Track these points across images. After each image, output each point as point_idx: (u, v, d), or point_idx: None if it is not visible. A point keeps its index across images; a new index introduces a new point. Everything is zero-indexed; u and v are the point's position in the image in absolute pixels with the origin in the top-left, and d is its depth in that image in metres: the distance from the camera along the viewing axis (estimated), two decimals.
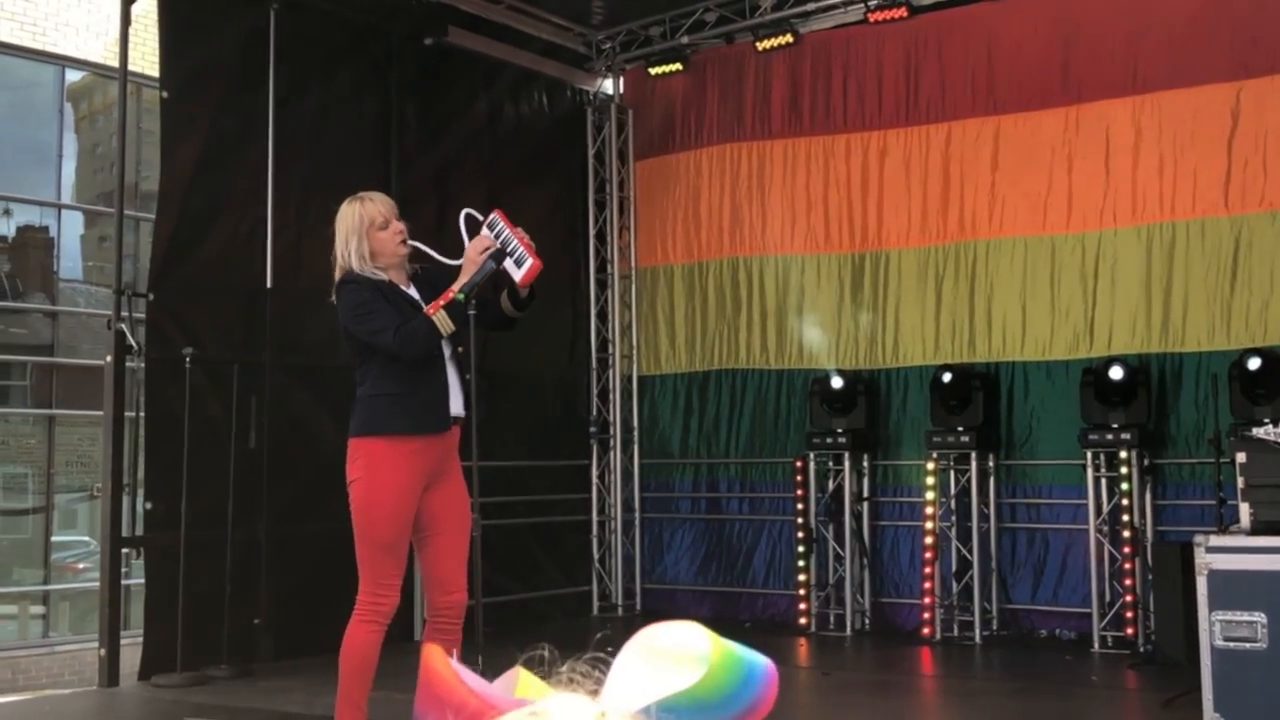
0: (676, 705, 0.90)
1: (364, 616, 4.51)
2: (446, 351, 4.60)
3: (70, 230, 13.73)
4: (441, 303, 4.50)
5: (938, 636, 8.26)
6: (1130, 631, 7.74)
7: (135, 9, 7.58)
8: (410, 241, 4.66)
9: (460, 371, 4.62)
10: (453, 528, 4.57)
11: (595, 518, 10.09)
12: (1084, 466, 8.08)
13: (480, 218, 4.66)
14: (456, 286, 4.54)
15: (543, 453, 9.53)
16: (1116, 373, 7.97)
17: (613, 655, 0.97)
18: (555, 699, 0.85)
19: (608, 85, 10.51)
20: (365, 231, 4.59)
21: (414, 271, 4.75)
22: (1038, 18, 8.67)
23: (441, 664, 0.97)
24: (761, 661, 0.97)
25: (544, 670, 0.98)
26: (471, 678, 0.96)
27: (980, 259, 8.80)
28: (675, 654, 0.94)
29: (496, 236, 4.61)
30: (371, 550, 4.52)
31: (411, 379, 4.54)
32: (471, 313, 4.53)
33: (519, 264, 4.57)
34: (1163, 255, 8.18)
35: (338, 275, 4.68)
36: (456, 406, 4.62)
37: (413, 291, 4.67)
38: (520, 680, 0.97)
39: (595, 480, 10.14)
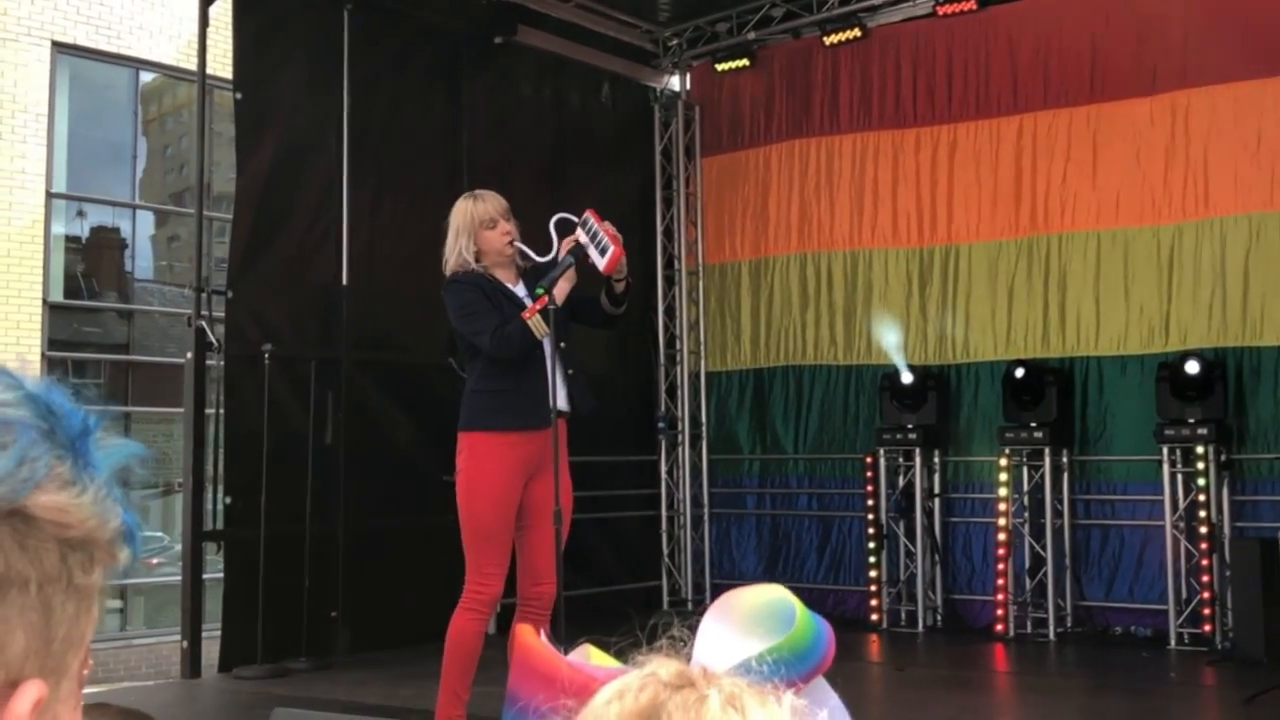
0: (773, 658, 0.95)
1: (465, 604, 4.64)
2: (549, 348, 4.68)
3: (142, 230, 13.95)
4: (537, 307, 4.60)
5: (1011, 633, 8.21)
6: (1207, 629, 7.65)
7: (210, 11, 7.68)
8: (516, 243, 4.76)
9: (564, 367, 4.70)
10: (549, 519, 4.63)
11: (664, 513, 10.11)
12: (1160, 462, 7.99)
13: (574, 219, 4.74)
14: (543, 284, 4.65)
15: (611, 448, 9.54)
16: (1192, 367, 7.88)
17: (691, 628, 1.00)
18: (656, 660, 0.86)
19: (674, 82, 10.52)
20: (475, 230, 4.72)
21: (524, 269, 4.84)
22: (1110, 9, 8.58)
23: (536, 640, 1.00)
24: (821, 619, 1.04)
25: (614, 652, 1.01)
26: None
27: (1053, 253, 8.73)
28: (764, 612, 0.98)
29: (587, 233, 4.69)
30: (472, 539, 4.64)
31: (512, 376, 4.67)
32: (551, 307, 4.61)
33: (603, 253, 4.65)
34: (1238, 248, 8.07)
35: (447, 269, 4.83)
36: (561, 401, 4.70)
37: (519, 289, 4.78)
38: (591, 656, 1.01)
39: (664, 476, 10.16)
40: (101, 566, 0.68)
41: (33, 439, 0.64)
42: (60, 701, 0.66)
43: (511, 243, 4.77)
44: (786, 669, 0.94)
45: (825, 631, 1.02)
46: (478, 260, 4.77)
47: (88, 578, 0.67)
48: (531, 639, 1.03)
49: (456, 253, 4.77)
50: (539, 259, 4.80)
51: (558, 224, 4.78)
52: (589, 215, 4.74)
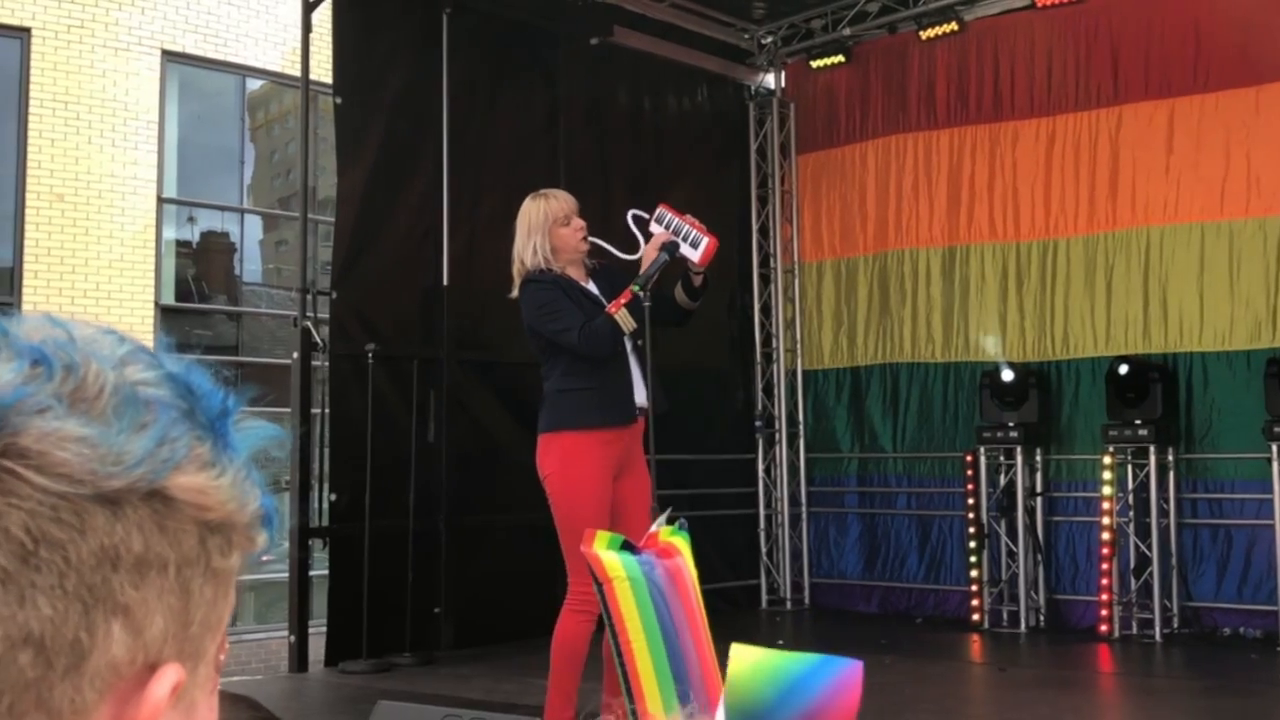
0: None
1: (574, 606, 4.56)
2: (628, 345, 4.69)
3: (251, 235, 14.27)
4: (623, 301, 4.60)
5: (1116, 634, 8.08)
6: None
7: (313, 17, 7.84)
8: (590, 238, 4.77)
9: (642, 364, 4.70)
10: (636, 518, 4.64)
11: (762, 512, 10.10)
12: (1269, 460, 7.80)
13: (646, 216, 4.75)
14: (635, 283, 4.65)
15: (708, 447, 9.57)
16: None
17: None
18: None
19: (770, 80, 10.51)
20: (548, 228, 4.70)
21: (593, 267, 4.85)
22: None
23: None
24: (827, 668, 0.94)
25: None
26: None
27: (1154, 246, 8.57)
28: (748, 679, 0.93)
29: (668, 228, 4.69)
30: (574, 541, 4.55)
31: (597, 374, 4.64)
32: (646, 304, 4.61)
33: (695, 245, 4.65)
34: None
35: (516, 271, 4.79)
36: (640, 398, 4.71)
37: (592, 287, 4.77)
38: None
39: (761, 474, 10.15)
40: (240, 550, 0.66)
41: (173, 418, 0.63)
42: (198, 687, 0.65)
43: (585, 238, 4.76)
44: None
45: (799, 689, 0.92)
46: (553, 258, 4.74)
47: (226, 561, 0.65)
48: None
49: (530, 252, 4.70)
50: (625, 256, 4.80)
51: (634, 221, 4.78)
52: (663, 209, 4.74)
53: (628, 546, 3.16)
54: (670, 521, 3.44)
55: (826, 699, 0.92)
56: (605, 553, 3.11)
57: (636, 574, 3.02)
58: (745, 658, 0.93)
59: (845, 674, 0.93)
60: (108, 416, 0.61)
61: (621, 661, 3.03)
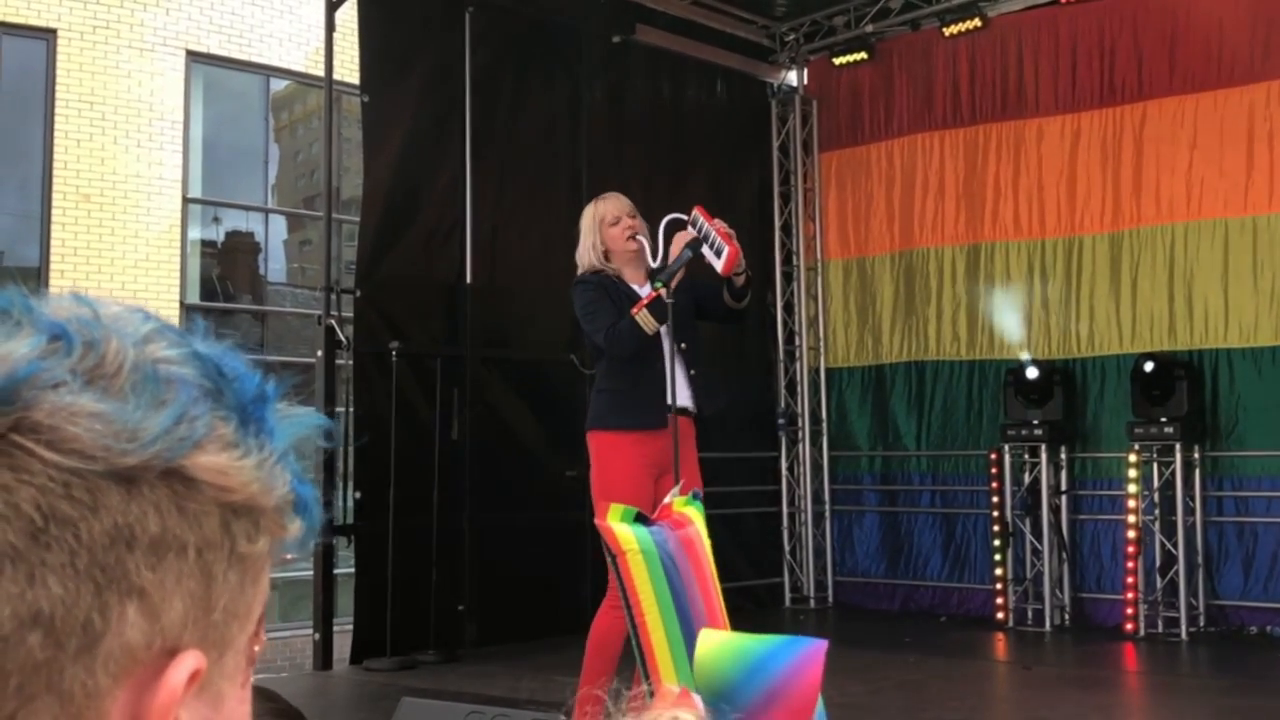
0: (711, 703, 0.91)
1: (612, 602, 4.58)
2: (668, 346, 4.73)
3: (275, 235, 14.33)
4: (645, 302, 4.65)
5: (1141, 632, 8.04)
6: None
7: (336, 17, 7.86)
8: (638, 237, 4.84)
9: (687, 365, 4.76)
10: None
11: (785, 510, 10.08)
12: None
13: (684, 217, 4.79)
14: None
15: (732, 445, 9.55)
16: None
17: None
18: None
19: (791, 77, 10.48)
20: (599, 229, 4.84)
21: (653, 269, 4.93)
22: None
23: None
24: (791, 647, 0.96)
25: None
26: None
27: (1178, 242, 8.54)
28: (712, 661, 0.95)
29: (698, 231, 4.73)
30: None
31: (632, 376, 4.74)
32: (670, 301, 4.65)
33: (718, 254, 4.67)
34: None
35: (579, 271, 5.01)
36: (683, 399, 4.74)
37: (645, 289, 4.84)
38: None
39: (784, 473, 10.13)
40: (268, 536, 0.64)
41: (193, 397, 0.61)
42: (224, 678, 0.63)
43: (631, 237, 4.84)
44: (725, 702, 0.92)
45: (764, 667, 0.93)
46: (606, 260, 4.87)
47: (253, 546, 0.63)
48: None
49: (587, 252, 4.91)
50: (652, 264, 4.87)
51: (668, 225, 4.84)
52: (697, 213, 4.78)
53: (641, 519, 3.24)
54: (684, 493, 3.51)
55: (789, 677, 0.94)
56: (618, 525, 3.19)
57: (649, 546, 3.08)
58: (711, 640, 0.96)
59: (808, 653, 0.95)
60: (125, 393, 0.59)
61: (637, 636, 3.10)
